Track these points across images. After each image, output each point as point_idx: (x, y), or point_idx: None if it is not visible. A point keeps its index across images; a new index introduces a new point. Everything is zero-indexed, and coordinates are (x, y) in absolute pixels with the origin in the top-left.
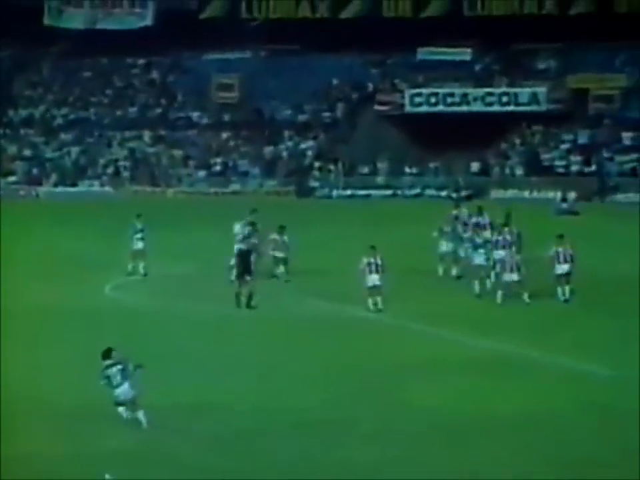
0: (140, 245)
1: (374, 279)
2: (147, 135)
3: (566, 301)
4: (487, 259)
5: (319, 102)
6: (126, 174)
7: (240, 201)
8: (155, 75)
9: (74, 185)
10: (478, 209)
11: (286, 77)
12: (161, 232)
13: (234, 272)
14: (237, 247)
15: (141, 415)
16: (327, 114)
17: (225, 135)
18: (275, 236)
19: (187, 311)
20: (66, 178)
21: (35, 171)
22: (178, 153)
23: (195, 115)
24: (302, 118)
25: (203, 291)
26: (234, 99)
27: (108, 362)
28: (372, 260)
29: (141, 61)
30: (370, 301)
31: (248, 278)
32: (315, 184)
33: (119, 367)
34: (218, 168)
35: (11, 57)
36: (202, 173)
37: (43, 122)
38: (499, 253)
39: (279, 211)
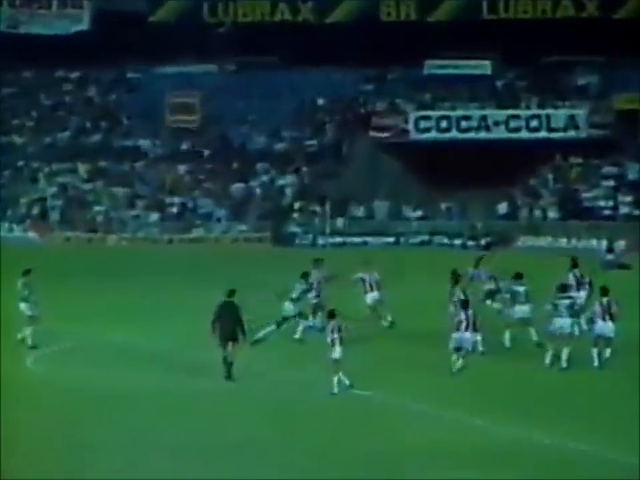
0: (25, 308)
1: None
2: (82, 167)
3: (600, 367)
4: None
5: (300, 127)
6: (55, 216)
7: (201, 250)
8: (92, 92)
9: None
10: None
11: (260, 95)
12: (98, 289)
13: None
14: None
15: None
16: (310, 142)
17: (182, 169)
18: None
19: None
20: None
21: None
22: (122, 190)
23: (144, 143)
24: (279, 147)
25: (156, 361)
26: (194, 123)
27: None
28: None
29: (75, 74)
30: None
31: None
32: (295, 229)
33: None
34: (174, 209)
35: None
36: (153, 216)
37: None
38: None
39: (250, 264)
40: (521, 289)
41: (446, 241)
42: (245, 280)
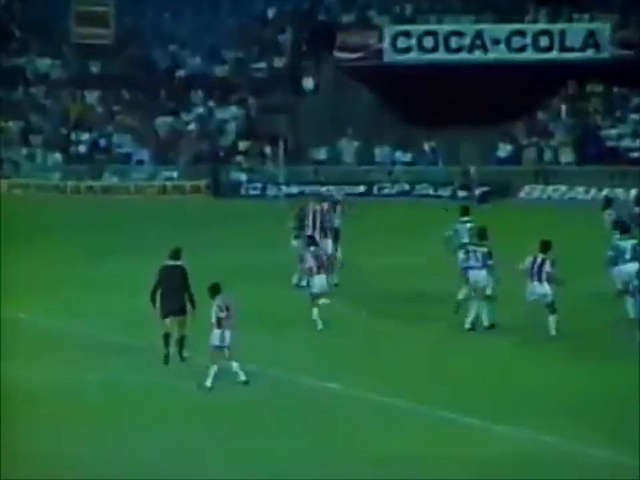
0: None
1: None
2: None
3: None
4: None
5: (246, 46)
6: None
7: (117, 202)
8: None
9: None
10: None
11: (193, 5)
12: None
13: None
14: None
15: None
16: (259, 65)
17: (91, 97)
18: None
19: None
20: None
21: None
22: (13, 123)
23: (41, 62)
24: (220, 71)
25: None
26: (107, 38)
27: None
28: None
29: None
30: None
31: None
32: (239, 176)
33: None
34: (81, 148)
35: None
36: (54, 157)
37: None
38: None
39: (181, 222)
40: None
41: (430, 191)
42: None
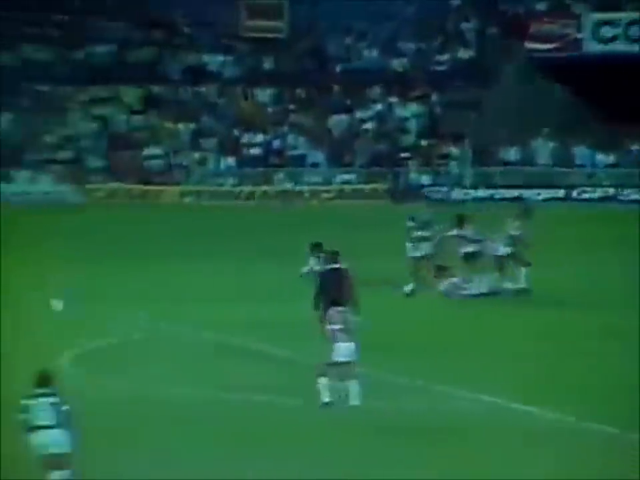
0: None
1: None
2: (127, 94)
3: None
4: None
5: (427, 36)
6: (94, 161)
7: (290, 208)
8: None
9: (5, 178)
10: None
11: None
12: (150, 263)
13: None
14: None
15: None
16: (441, 57)
17: (263, 95)
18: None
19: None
20: None
21: None
22: (183, 125)
23: (211, 59)
24: (398, 64)
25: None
26: (279, 31)
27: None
28: None
29: None
30: None
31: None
32: (421, 179)
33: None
34: (253, 151)
35: None
36: (226, 161)
37: None
38: None
39: (358, 229)
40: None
41: (637, 196)
42: (356, 250)
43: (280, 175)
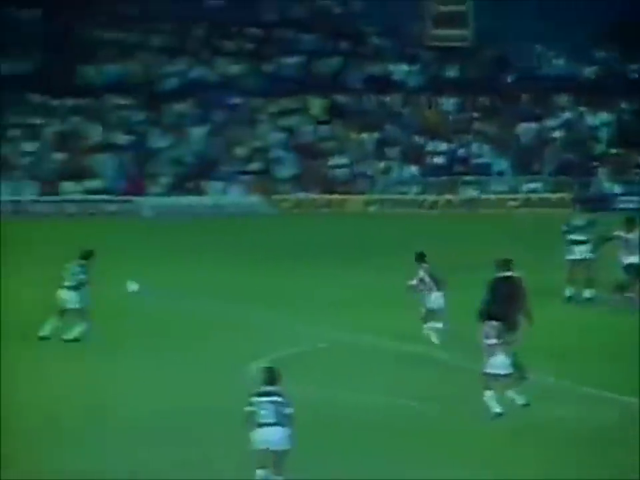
0: (71, 297)
1: None
2: (314, 104)
3: None
4: None
5: (619, 44)
6: (282, 171)
7: (474, 216)
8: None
9: (196, 189)
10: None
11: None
12: (338, 273)
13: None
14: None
15: None
16: (633, 66)
17: (447, 104)
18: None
19: None
20: (184, 179)
21: (132, 169)
22: (367, 135)
23: (396, 69)
24: (589, 72)
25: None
26: (464, 39)
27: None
28: None
29: None
30: None
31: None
32: (612, 188)
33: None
34: (437, 160)
35: None
36: (409, 170)
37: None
38: None
39: (545, 236)
40: None
41: None
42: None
43: (464, 184)
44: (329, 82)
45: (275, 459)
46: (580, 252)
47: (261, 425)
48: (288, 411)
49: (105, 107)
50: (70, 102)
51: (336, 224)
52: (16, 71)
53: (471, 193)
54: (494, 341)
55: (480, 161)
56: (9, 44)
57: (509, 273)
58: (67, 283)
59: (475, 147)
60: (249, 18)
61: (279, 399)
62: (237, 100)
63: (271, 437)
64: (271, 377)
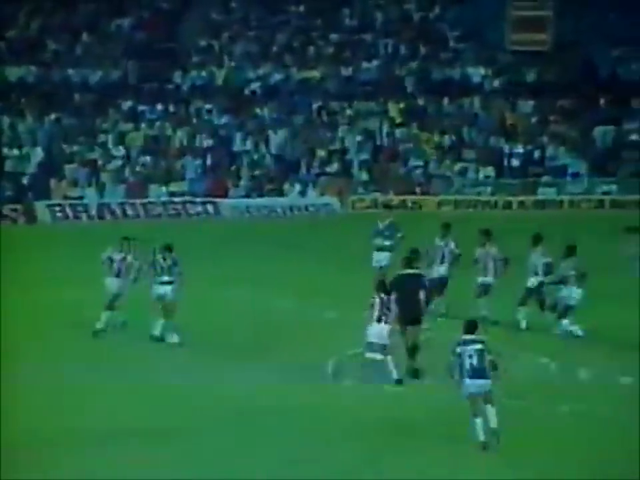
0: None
1: None
2: (393, 107)
3: None
4: None
5: None
6: (360, 174)
7: (550, 216)
8: (410, 5)
9: (279, 190)
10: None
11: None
12: None
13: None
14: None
15: None
16: None
17: (526, 106)
18: None
19: None
20: (262, 181)
21: (214, 172)
22: (445, 137)
23: (475, 72)
24: None
25: None
26: (544, 44)
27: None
28: None
29: None
30: None
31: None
32: None
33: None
34: (514, 162)
35: None
36: (486, 170)
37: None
38: None
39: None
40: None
41: None
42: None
43: (540, 186)
44: (408, 85)
45: (487, 398)
46: None
47: (468, 372)
48: (490, 358)
49: (191, 111)
50: (159, 107)
51: (410, 223)
52: (107, 79)
53: (549, 193)
54: (376, 313)
55: (556, 163)
56: (101, 54)
57: (411, 270)
58: (165, 279)
59: (550, 150)
60: (329, 24)
61: (481, 347)
62: (317, 103)
63: (478, 384)
64: (472, 326)
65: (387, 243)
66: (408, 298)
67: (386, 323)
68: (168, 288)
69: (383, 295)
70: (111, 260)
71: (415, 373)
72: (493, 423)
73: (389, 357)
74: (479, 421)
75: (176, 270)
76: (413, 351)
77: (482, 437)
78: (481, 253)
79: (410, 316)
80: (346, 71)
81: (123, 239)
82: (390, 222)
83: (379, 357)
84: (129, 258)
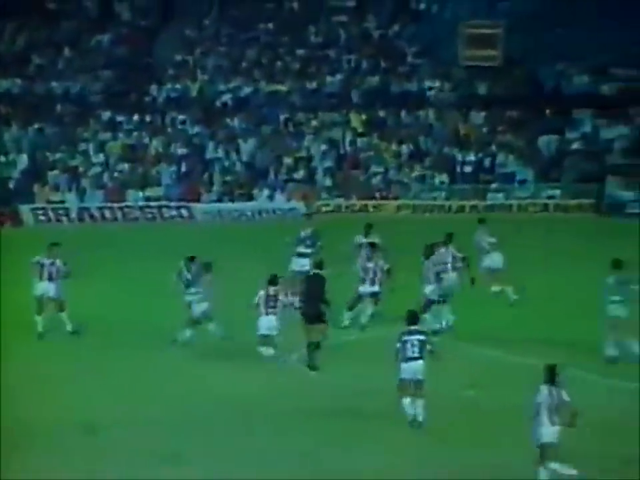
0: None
1: None
2: (355, 118)
3: None
4: None
5: (637, 63)
6: (324, 180)
7: (499, 219)
8: (370, 23)
9: (248, 195)
10: None
11: (580, 23)
12: None
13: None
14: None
15: None
16: None
17: (477, 118)
18: None
19: None
20: (233, 186)
21: (188, 178)
22: (404, 146)
23: (431, 85)
24: (606, 89)
25: None
26: (494, 59)
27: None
28: None
29: (351, 3)
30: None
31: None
32: (623, 195)
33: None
34: (467, 169)
35: None
36: (440, 177)
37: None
38: None
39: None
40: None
41: None
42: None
43: (490, 192)
44: (369, 98)
45: (418, 387)
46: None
47: (409, 360)
48: (429, 347)
49: (167, 122)
50: (136, 118)
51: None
52: (88, 91)
53: (497, 198)
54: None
55: (504, 170)
56: (82, 67)
57: (318, 271)
58: (192, 290)
59: (500, 157)
60: (296, 40)
61: (422, 337)
62: (284, 115)
63: (415, 369)
64: (413, 316)
65: (308, 250)
66: (311, 297)
67: (274, 314)
68: (194, 298)
69: (270, 288)
70: (41, 265)
71: (314, 367)
72: (420, 416)
73: None
74: (407, 400)
75: (201, 280)
76: (313, 347)
77: (411, 413)
78: (443, 253)
79: (312, 314)
80: (311, 85)
81: (51, 244)
82: (312, 231)
83: (270, 351)
84: (58, 262)
